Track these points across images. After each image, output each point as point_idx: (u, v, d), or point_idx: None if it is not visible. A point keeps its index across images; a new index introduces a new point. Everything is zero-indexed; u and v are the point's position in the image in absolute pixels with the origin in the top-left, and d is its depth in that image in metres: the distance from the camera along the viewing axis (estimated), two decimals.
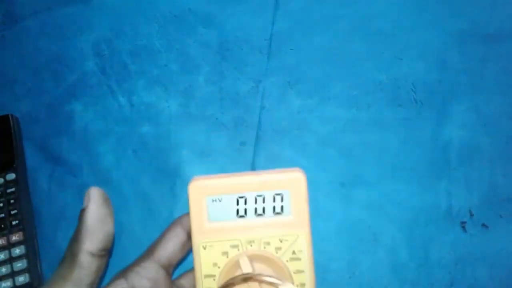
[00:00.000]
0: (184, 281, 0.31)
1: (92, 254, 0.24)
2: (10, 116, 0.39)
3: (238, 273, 0.28)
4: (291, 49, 0.39)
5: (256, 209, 0.29)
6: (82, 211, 0.24)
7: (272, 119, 0.38)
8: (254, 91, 0.39)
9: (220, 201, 0.29)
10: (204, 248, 0.29)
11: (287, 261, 0.29)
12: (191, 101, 0.40)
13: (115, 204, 0.26)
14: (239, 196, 0.29)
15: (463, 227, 0.36)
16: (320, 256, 0.37)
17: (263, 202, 0.29)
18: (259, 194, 0.29)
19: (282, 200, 0.29)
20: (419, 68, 0.38)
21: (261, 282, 0.28)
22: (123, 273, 0.27)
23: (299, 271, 0.29)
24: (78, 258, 0.23)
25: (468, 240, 0.36)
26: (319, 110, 0.38)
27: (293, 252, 0.29)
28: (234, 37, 0.39)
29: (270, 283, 0.28)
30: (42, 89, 0.40)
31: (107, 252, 0.25)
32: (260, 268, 0.29)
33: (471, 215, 0.36)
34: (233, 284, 0.28)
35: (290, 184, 0.29)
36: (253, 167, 0.38)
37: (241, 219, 0.29)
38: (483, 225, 0.36)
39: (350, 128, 0.38)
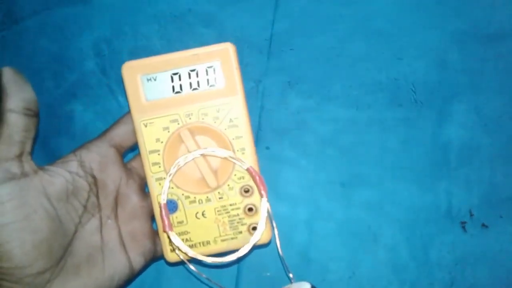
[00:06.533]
0: (135, 163, 0.33)
1: (16, 112, 0.25)
2: None
3: (181, 146, 0.30)
4: (291, 49, 0.39)
5: (190, 83, 0.30)
6: None
7: (272, 119, 0.38)
8: (254, 91, 0.39)
9: (155, 79, 0.30)
10: (145, 126, 0.30)
11: (225, 129, 0.30)
12: None
13: None
14: (173, 72, 0.30)
15: (463, 227, 0.36)
16: (320, 256, 0.37)
17: (197, 76, 0.30)
18: (192, 68, 0.30)
19: (214, 72, 0.30)
20: (419, 68, 0.38)
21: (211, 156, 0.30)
22: (74, 150, 0.29)
23: (238, 137, 0.30)
24: (4, 116, 0.25)
25: (468, 240, 0.36)
26: (319, 110, 0.38)
27: (230, 120, 0.30)
28: (234, 37, 0.39)
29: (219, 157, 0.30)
30: (42, 89, 0.40)
31: (34, 114, 0.26)
32: (201, 139, 0.31)
33: (471, 215, 0.36)
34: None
35: (220, 55, 0.30)
36: None
37: (177, 94, 0.30)
38: (483, 225, 0.36)
39: (350, 128, 0.38)
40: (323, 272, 0.37)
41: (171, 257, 0.31)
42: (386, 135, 0.37)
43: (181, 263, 0.31)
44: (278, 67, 0.39)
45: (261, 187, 0.30)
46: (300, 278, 0.36)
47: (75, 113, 0.40)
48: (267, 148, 0.38)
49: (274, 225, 0.30)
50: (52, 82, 0.40)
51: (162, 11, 0.40)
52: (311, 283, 0.27)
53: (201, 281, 0.37)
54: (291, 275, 0.30)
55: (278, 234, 0.30)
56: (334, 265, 0.37)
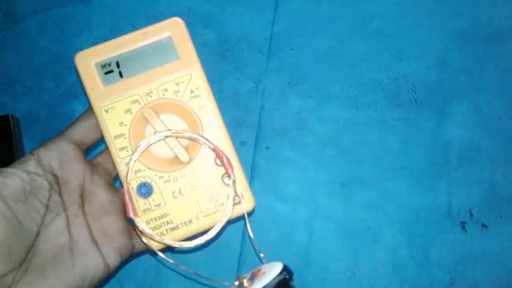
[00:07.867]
0: (101, 158, 0.32)
1: None
2: (10, 116, 0.39)
3: (147, 126, 0.30)
4: (291, 49, 0.39)
5: (145, 62, 0.30)
6: None
7: (272, 119, 0.38)
8: (254, 91, 0.39)
9: (109, 64, 0.30)
10: (106, 112, 0.30)
11: (188, 101, 0.30)
12: None
13: None
14: (126, 54, 0.30)
15: (463, 227, 0.36)
16: (320, 256, 0.37)
17: (151, 53, 0.30)
18: (145, 47, 0.30)
19: (167, 47, 0.30)
20: (419, 68, 0.38)
21: (182, 137, 0.29)
22: (32, 150, 0.29)
23: (202, 107, 0.30)
24: None
25: (468, 240, 0.36)
26: (319, 110, 0.38)
27: (192, 91, 0.30)
28: (234, 37, 0.39)
29: (189, 138, 0.29)
30: (42, 89, 0.40)
31: None
32: (166, 118, 0.30)
33: (471, 215, 0.36)
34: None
35: (170, 29, 0.30)
36: (253, 167, 0.38)
37: (134, 75, 0.30)
38: (483, 225, 0.36)
39: (350, 128, 0.38)
40: (323, 272, 0.37)
41: (156, 246, 0.29)
42: (386, 135, 0.37)
43: (165, 250, 0.29)
44: (278, 67, 0.39)
45: (228, 168, 0.28)
46: (300, 278, 0.36)
47: (75, 113, 0.40)
48: (267, 148, 0.38)
49: (245, 209, 0.29)
50: (52, 82, 0.40)
51: (162, 11, 0.40)
52: (283, 263, 0.26)
53: (199, 282, 0.37)
54: (262, 255, 0.28)
55: (279, 234, 0.29)
56: (334, 265, 0.37)
